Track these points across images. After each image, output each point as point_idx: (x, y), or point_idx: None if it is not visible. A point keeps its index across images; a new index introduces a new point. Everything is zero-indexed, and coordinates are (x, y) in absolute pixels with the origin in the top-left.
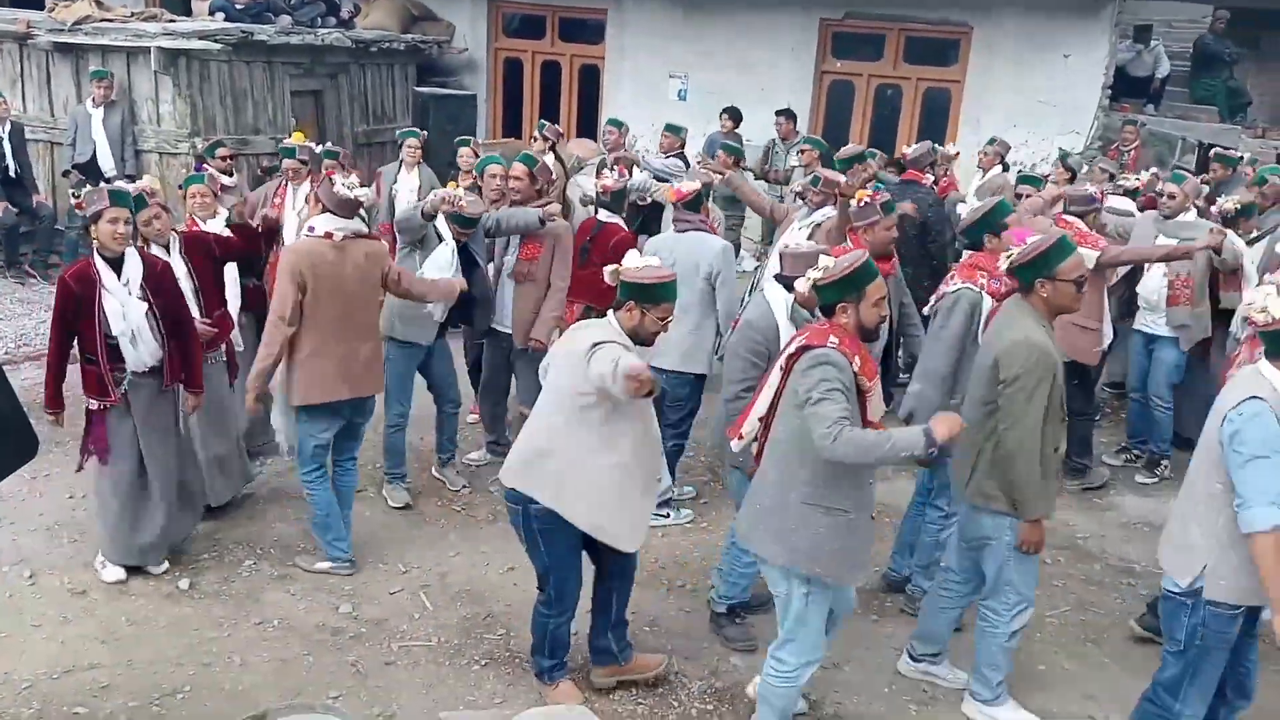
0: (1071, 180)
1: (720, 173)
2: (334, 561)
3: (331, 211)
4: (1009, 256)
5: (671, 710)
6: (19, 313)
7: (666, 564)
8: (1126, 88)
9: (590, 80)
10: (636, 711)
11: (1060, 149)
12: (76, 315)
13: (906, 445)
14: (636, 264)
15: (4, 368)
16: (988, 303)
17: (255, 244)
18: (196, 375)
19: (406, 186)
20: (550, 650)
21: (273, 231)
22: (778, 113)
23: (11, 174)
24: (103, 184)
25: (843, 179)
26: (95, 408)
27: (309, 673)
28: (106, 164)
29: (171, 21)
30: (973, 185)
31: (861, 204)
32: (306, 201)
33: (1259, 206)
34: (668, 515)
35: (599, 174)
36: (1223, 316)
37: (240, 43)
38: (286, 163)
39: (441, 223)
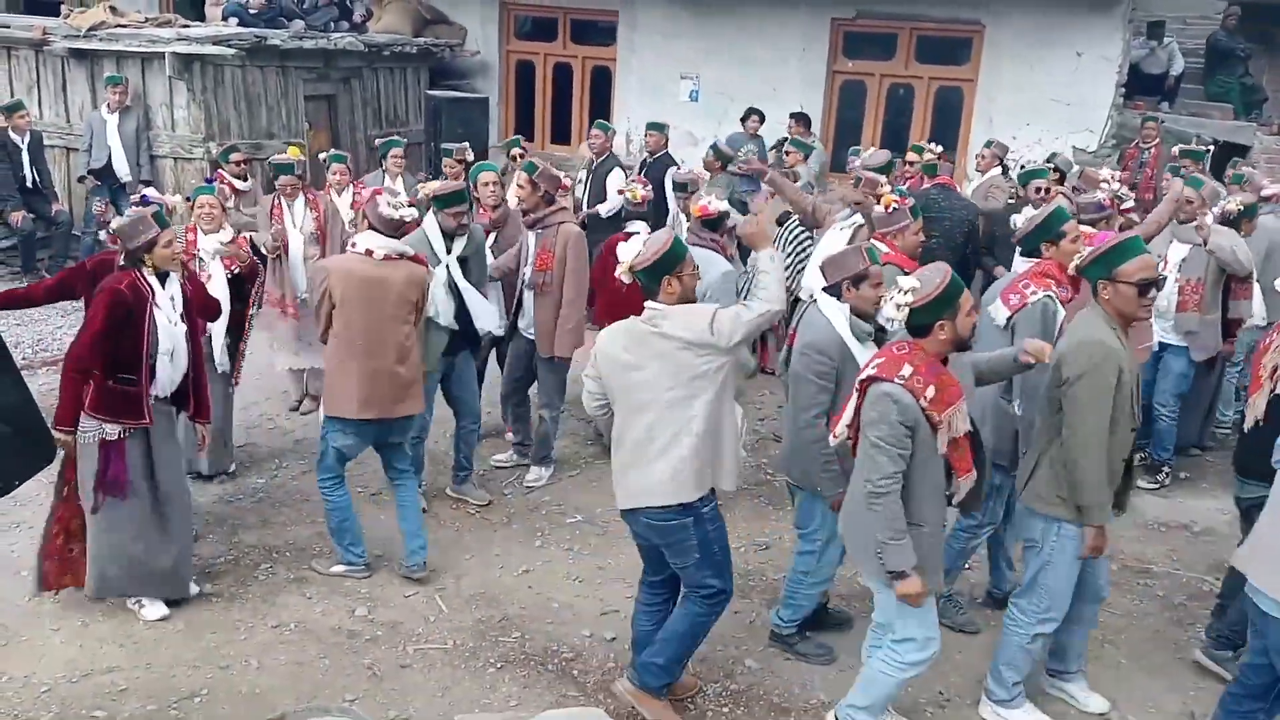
0: (1060, 181)
1: (761, 173)
2: (349, 565)
3: (376, 229)
4: (1079, 258)
5: (687, 712)
6: (37, 318)
7: None
8: (1140, 85)
9: (602, 82)
10: None
11: (1074, 147)
12: (124, 328)
13: (895, 554)
14: (636, 249)
15: (22, 373)
16: (1062, 311)
17: (212, 306)
18: (206, 405)
19: None
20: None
21: (254, 273)
22: (791, 115)
23: (29, 183)
24: (142, 208)
25: (884, 180)
26: (114, 436)
27: (325, 675)
28: (121, 169)
29: (186, 27)
30: (970, 187)
31: (890, 210)
32: (340, 210)
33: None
34: None
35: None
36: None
37: (254, 48)
38: (282, 179)
39: (437, 240)
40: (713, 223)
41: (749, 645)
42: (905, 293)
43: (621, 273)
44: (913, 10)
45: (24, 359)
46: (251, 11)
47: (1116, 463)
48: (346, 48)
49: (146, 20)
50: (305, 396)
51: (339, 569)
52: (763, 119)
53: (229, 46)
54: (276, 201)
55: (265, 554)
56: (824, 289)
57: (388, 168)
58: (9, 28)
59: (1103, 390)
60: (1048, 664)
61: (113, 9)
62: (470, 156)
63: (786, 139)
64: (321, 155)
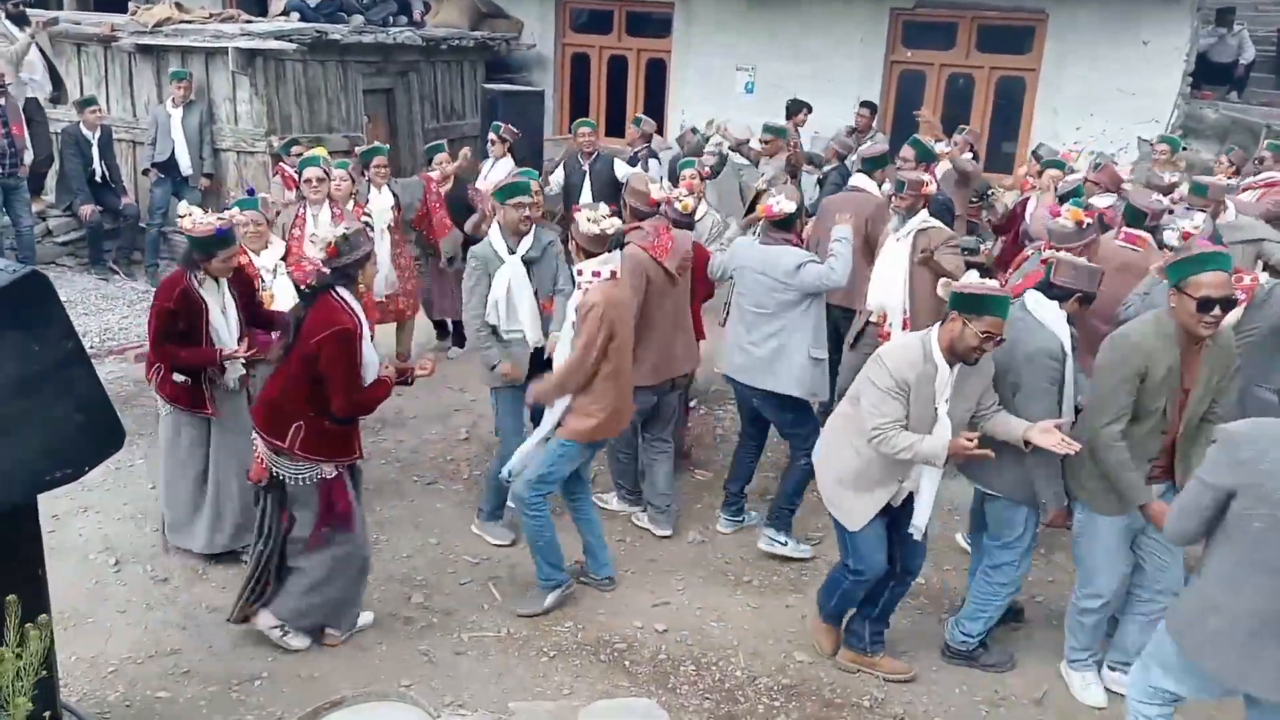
0: (1041, 175)
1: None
2: (558, 587)
3: (590, 251)
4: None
5: (738, 705)
6: (103, 308)
7: (733, 559)
8: (1208, 74)
9: (657, 74)
10: (703, 706)
11: (1139, 138)
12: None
13: None
14: (972, 278)
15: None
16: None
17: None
18: None
19: (378, 206)
20: (833, 610)
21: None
22: (861, 103)
23: (98, 177)
24: (362, 228)
25: (927, 178)
26: (332, 475)
27: (382, 661)
28: (184, 163)
29: (249, 22)
30: (939, 170)
31: (1083, 225)
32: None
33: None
34: (785, 544)
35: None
36: None
37: (314, 42)
38: (309, 171)
39: (498, 239)
40: (784, 222)
41: (801, 639)
42: None
43: (941, 286)
44: None
45: (91, 348)
46: (312, 6)
47: (1140, 454)
48: (405, 42)
49: (211, 16)
50: None
51: (551, 599)
52: (810, 111)
53: (290, 41)
54: (301, 210)
55: None
56: (1047, 290)
57: (371, 177)
58: (79, 24)
59: (1117, 382)
60: (1108, 656)
61: (178, 5)
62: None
63: (853, 127)
64: (304, 152)
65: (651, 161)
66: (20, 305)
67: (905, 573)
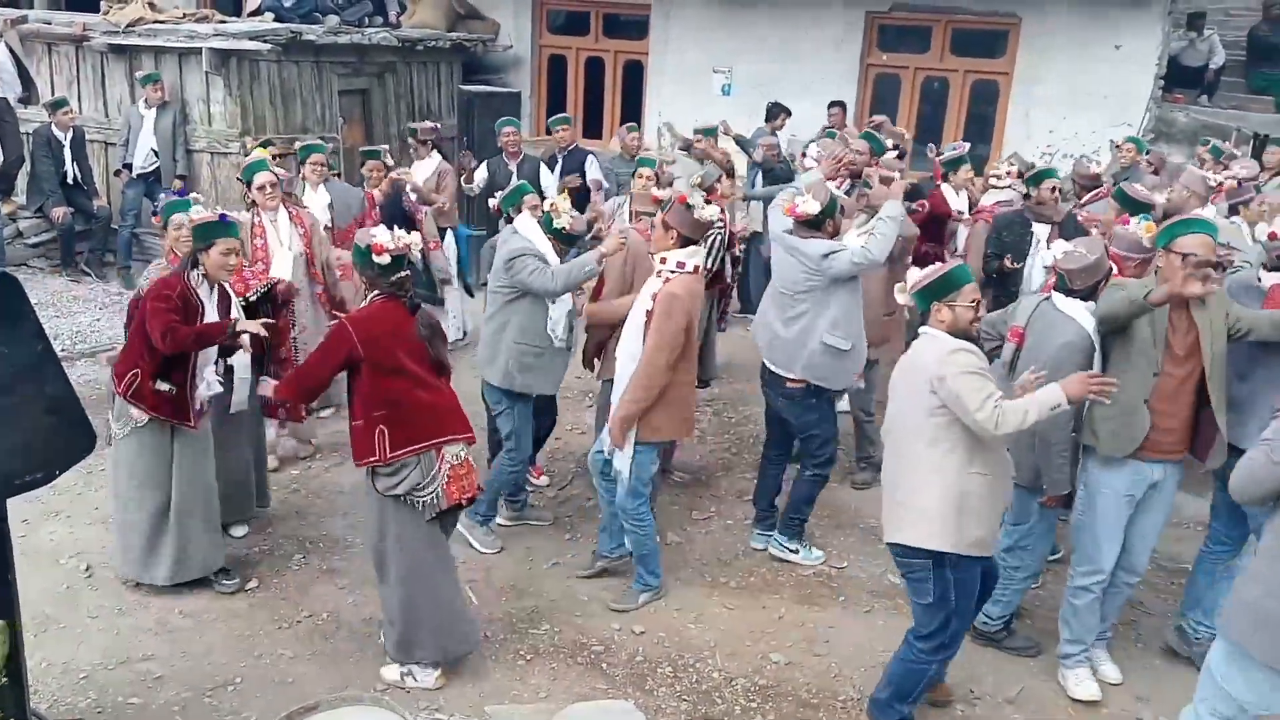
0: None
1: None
2: (654, 591)
3: (689, 240)
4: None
5: (715, 706)
6: (75, 310)
7: (710, 562)
8: (1180, 78)
9: (634, 76)
10: (680, 708)
11: (1111, 141)
12: None
13: None
14: (916, 275)
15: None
16: None
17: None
18: None
19: (316, 205)
20: (917, 697)
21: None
22: (831, 104)
23: (70, 179)
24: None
25: (896, 176)
26: None
27: (357, 665)
28: (155, 163)
29: (222, 22)
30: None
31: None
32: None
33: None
34: (796, 551)
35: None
36: None
37: (289, 43)
38: (260, 178)
39: (546, 245)
40: (812, 223)
41: (777, 640)
42: None
43: (898, 292)
44: (948, 3)
45: (63, 350)
46: (287, 6)
47: (1135, 399)
48: (380, 43)
49: (184, 16)
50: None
51: (645, 597)
52: (789, 115)
53: (265, 42)
54: (257, 219)
55: (299, 545)
56: (1066, 291)
57: (306, 175)
58: (50, 24)
59: (1113, 304)
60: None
61: (151, 5)
62: (391, 161)
63: (826, 126)
64: (266, 152)
65: (591, 158)
66: None
67: None
